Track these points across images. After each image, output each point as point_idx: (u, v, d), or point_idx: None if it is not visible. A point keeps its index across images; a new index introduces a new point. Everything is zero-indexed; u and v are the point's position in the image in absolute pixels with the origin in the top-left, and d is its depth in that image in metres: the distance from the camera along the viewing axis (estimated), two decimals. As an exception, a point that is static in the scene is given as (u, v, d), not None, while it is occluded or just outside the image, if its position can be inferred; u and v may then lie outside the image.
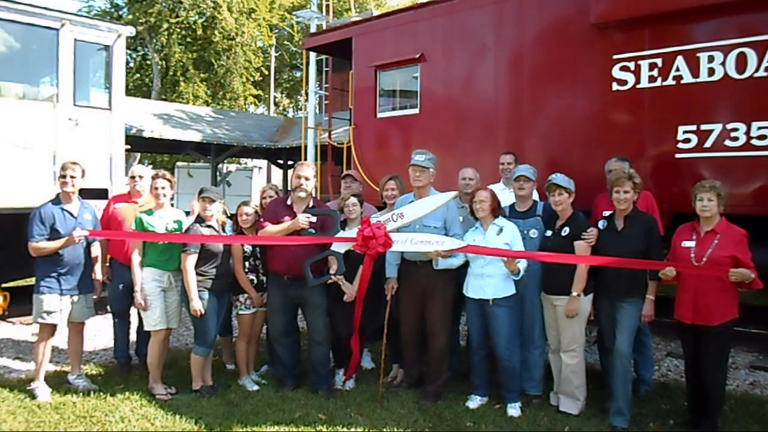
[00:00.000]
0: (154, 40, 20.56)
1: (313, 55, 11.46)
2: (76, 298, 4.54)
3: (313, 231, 4.52)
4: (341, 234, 4.50)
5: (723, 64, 5.17)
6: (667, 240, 4.12)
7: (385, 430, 3.95)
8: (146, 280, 4.49)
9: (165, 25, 19.63)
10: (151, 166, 21.29)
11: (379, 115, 8.02)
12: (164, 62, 21.04)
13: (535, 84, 6.42)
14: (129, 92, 14.16)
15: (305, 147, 11.40)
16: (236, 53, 21.60)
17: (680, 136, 5.41)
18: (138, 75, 22.63)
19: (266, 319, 4.85)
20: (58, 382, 4.65)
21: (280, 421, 4.04)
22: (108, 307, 5.32)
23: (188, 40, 21.38)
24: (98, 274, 4.81)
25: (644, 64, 5.57)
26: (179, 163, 20.81)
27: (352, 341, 4.59)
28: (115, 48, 7.34)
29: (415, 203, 4.42)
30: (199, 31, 20.41)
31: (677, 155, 5.44)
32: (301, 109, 23.91)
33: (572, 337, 4.17)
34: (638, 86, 5.62)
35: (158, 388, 4.51)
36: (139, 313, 4.66)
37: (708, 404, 3.84)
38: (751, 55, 5.03)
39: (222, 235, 4.57)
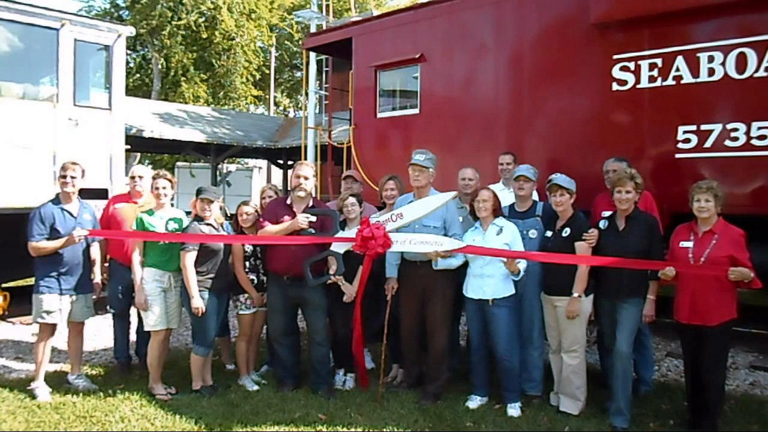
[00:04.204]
0: (155, 41, 20.56)
1: (313, 55, 11.45)
2: (75, 297, 4.54)
3: (313, 231, 4.52)
4: (340, 234, 4.50)
5: (723, 64, 5.16)
6: (667, 240, 4.12)
7: (385, 430, 3.95)
8: (147, 280, 4.49)
9: (168, 29, 19.65)
10: (151, 166, 21.32)
11: (379, 115, 8.02)
12: (164, 62, 21.05)
13: (535, 84, 6.42)
14: (129, 92, 14.15)
15: (305, 147, 11.40)
16: (236, 53, 21.61)
17: (680, 136, 5.41)
18: (138, 75, 22.64)
19: (266, 319, 4.85)
20: (58, 382, 4.65)
21: (280, 421, 4.04)
22: (108, 307, 5.33)
23: (188, 40, 21.39)
24: (97, 275, 4.81)
25: (644, 64, 5.57)
26: (179, 163, 20.81)
27: (354, 345, 4.54)
28: (115, 48, 7.34)
29: (414, 203, 4.42)
30: (203, 35, 20.42)
31: (677, 155, 5.43)
32: (301, 109, 23.91)
33: (573, 338, 4.16)
34: (638, 86, 5.62)
35: (158, 388, 4.51)
36: (139, 313, 4.66)
37: (708, 404, 3.84)
38: (751, 55, 5.03)
39: (222, 235, 4.57)
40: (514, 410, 4.24)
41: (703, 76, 5.27)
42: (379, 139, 8.08)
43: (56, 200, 4.52)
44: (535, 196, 4.74)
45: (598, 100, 5.91)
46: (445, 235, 4.34)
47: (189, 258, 4.36)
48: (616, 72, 5.74)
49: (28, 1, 6.60)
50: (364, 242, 4.24)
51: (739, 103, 5.13)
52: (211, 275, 4.45)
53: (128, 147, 8.07)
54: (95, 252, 4.78)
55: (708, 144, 5.27)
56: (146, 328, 4.57)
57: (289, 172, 15.69)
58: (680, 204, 4.41)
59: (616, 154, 4.92)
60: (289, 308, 4.66)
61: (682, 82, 5.38)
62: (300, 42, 21.30)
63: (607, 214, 4.24)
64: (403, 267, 4.54)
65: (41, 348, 4.49)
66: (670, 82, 5.44)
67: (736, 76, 5.11)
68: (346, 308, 4.58)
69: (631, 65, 5.65)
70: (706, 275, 3.73)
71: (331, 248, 4.47)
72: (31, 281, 4.95)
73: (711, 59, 5.22)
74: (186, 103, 20.05)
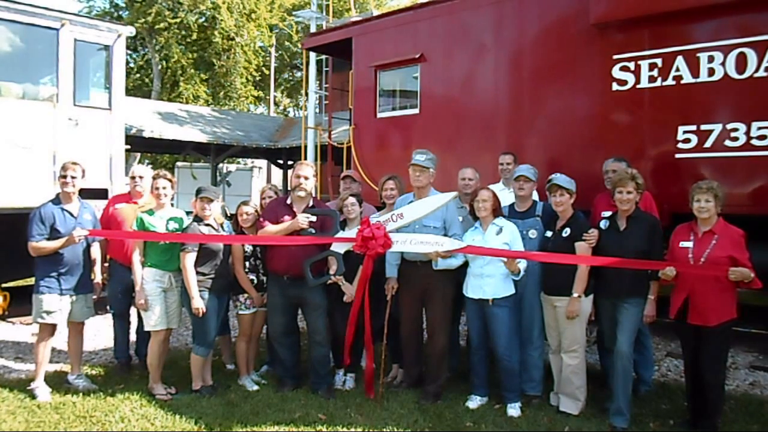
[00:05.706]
0: (154, 41, 20.56)
1: (313, 55, 11.46)
2: (75, 297, 4.54)
3: (313, 231, 4.52)
4: (341, 234, 4.50)
5: (723, 64, 5.16)
6: (667, 240, 4.12)
7: (385, 430, 3.95)
8: (147, 280, 4.49)
9: (163, 25, 19.64)
10: (151, 166, 21.33)
11: (379, 115, 8.02)
12: (164, 62, 21.05)
13: (535, 84, 6.42)
14: (129, 92, 14.15)
15: (305, 147, 11.40)
16: (236, 53, 21.61)
17: (680, 136, 5.41)
18: (138, 75, 22.64)
19: (266, 319, 4.85)
20: (58, 382, 4.65)
21: (280, 421, 4.04)
22: (108, 307, 5.32)
23: (188, 40, 21.40)
24: (97, 275, 4.81)
25: (644, 64, 5.57)
26: (180, 163, 20.82)
27: (348, 337, 4.44)
28: (115, 48, 7.34)
29: (414, 203, 4.41)
30: (195, 35, 20.43)
31: (677, 155, 5.43)
32: (301, 109, 23.92)
33: (573, 338, 4.16)
34: (638, 86, 5.62)
35: (158, 388, 4.51)
36: (139, 313, 4.66)
37: (708, 404, 3.84)
38: (751, 55, 5.03)
39: (222, 235, 4.57)
40: (514, 410, 4.24)
41: (703, 76, 5.27)
42: (379, 139, 8.08)
43: (56, 200, 4.52)
44: (535, 196, 4.74)
45: (598, 100, 5.91)
46: (445, 235, 4.34)
47: (189, 259, 4.36)
48: (616, 72, 5.74)
49: (28, 1, 6.60)
50: (364, 242, 4.23)
51: (739, 103, 5.13)
52: (212, 276, 4.45)
53: (128, 147, 8.07)
54: (95, 252, 4.78)
55: (708, 144, 5.26)
56: (146, 329, 4.57)
57: (289, 172, 15.69)
58: (680, 204, 4.41)
59: (616, 154, 4.92)
60: (289, 308, 4.66)
61: (682, 82, 5.38)
62: (300, 42, 21.30)
63: (607, 214, 4.24)
64: (403, 267, 4.53)
65: (41, 348, 4.49)
66: (670, 82, 5.44)
67: (736, 76, 5.11)
68: (346, 308, 4.58)
69: (631, 65, 5.65)
70: (706, 275, 3.73)
71: (332, 248, 4.47)
72: (31, 281, 4.95)
73: (711, 59, 5.22)
74: (186, 103, 20.05)
